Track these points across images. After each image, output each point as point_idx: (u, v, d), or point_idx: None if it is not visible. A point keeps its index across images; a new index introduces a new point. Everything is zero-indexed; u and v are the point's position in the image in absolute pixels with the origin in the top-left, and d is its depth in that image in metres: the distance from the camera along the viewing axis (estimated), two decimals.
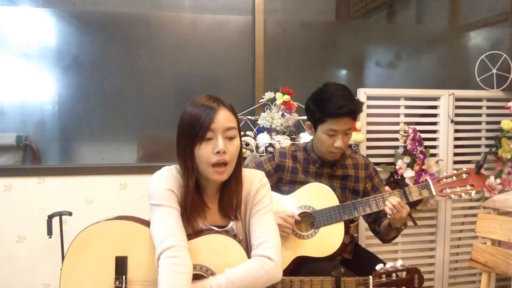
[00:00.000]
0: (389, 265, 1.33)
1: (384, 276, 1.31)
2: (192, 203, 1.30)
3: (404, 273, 1.31)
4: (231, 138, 1.28)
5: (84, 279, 1.25)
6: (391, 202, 1.69)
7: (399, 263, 1.33)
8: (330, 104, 1.73)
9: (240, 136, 1.34)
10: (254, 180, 1.38)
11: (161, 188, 1.29)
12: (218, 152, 1.24)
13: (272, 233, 1.32)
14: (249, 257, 1.31)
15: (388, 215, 1.71)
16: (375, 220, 1.91)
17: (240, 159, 1.35)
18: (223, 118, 1.26)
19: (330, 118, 1.74)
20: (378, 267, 1.32)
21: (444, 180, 1.75)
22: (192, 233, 1.33)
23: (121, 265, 1.26)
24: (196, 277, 1.26)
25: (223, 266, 1.26)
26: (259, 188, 1.37)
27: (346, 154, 1.92)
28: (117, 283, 1.26)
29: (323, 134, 1.77)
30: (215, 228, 1.36)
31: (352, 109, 1.73)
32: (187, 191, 1.29)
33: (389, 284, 1.31)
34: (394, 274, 1.31)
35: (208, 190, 1.37)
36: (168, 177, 1.31)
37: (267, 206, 1.36)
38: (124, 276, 1.26)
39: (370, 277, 1.31)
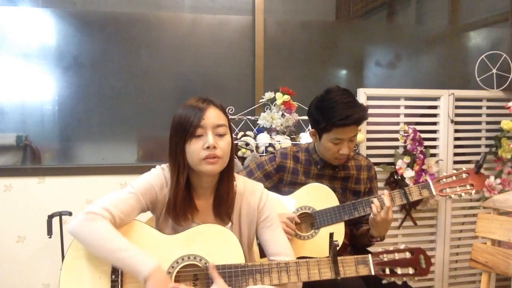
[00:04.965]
0: (392, 247, 1.29)
1: (385, 255, 1.26)
2: (182, 201, 1.33)
3: (408, 253, 1.26)
4: (221, 135, 1.31)
5: (84, 274, 1.29)
6: (380, 202, 1.68)
7: (402, 246, 1.29)
8: (335, 114, 1.69)
9: (232, 135, 1.36)
10: (256, 193, 1.42)
11: (146, 184, 1.35)
12: (208, 147, 1.27)
13: (288, 246, 1.43)
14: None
15: (372, 214, 1.68)
16: (355, 223, 1.89)
17: (232, 159, 1.37)
18: (213, 115, 1.29)
19: (336, 128, 1.71)
20: (380, 249, 1.29)
21: (444, 180, 1.75)
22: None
23: None
24: (191, 267, 1.29)
25: (216, 254, 1.29)
26: (264, 205, 1.42)
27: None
28: (113, 276, 1.29)
29: (329, 143, 1.75)
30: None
31: (358, 118, 1.70)
32: (177, 188, 1.32)
33: (393, 264, 1.25)
34: (396, 254, 1.26)
35: (200, 190, 1.38)
36: (158, 179, 1.36)
37: (276, 220, 1.43)
38: (120, 270, 1.29)
39: (369, 255, 1.27)
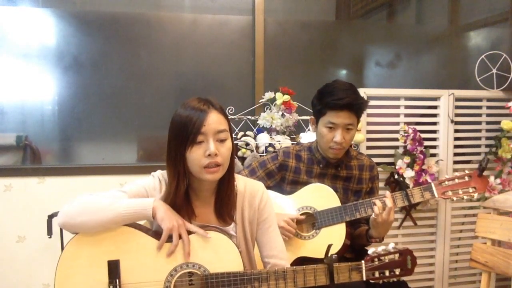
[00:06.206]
0: (381, 248, 1.32)
1: (376, 259, 1.30)
2: (180, 207, 1.31)
3: (397, 255, 1.30)
4: (222, 141, 1.28)
5: (79, 285, 1.26)
6: (382, 203, 1.68)
7: (391, 246, 1.31)
8: (330, 96, 1.73)
9: (232, 138, 1.34)
10: (257, 193, 1.41)
11: (138, 187, 1.34)
12: (209, 155, 1.25)
13: (282, 249, 1.44)
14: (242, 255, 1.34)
15: (374, 215, 1.68)
16: (352, 223, 1.88)
17: (233, 160, 1.35)
18: (214, 121, 1.26)
19: (329, 110, 1.73)
20: (370, 251, 1.31)
21: (446, 182, 1.74)
22: None
23: (113, 269, 1.26)
24: (190, 275, 1.28)
25: (215, 262, 1.28)
26: (264, 206, 1.42)
27: (352, 155, 1.90)
28: (111, 287, 1.25)
29: (323, 128, 1.76)
30: (210, 226, 1.36)
31: (351, 102, 1.71)
32: (177, 194, 1.30)
33: (382, 267, 1.30)
34: (386, 257, 1.30)
35: (201, 193, 1.37)
36: (152, 184, 1.36)
37: (274, 222, 1.44)
38: (117, 280, 1.26)
39: (363, 262, 1.30)
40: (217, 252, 1.29)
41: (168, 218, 1.25)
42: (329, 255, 1.32)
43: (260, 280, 1.28)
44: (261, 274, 1.28)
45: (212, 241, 1.29)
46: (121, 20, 2.48)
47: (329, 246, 1.35)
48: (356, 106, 1.74)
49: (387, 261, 1.30)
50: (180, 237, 1.26)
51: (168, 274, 1.27)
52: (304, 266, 1.30)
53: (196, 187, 1.36)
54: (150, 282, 1.26)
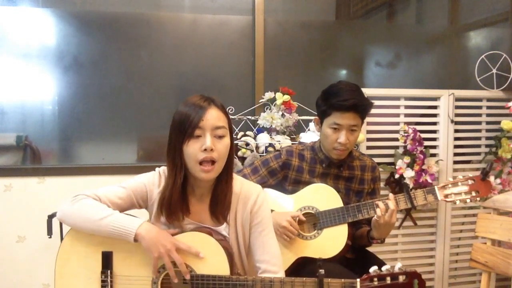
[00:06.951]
0: (385, 267, 1.19)
1: (376, 279, 1.17)
2: (176, 200, 1.32)
3: (402, 277, 1.17)
4: (220, 137, 1.28)
5: (76, 272, 1.32)
6: (385, 205, 1.67)
7: (397, 266, 1.19)
8: (336, 97, 1.72)
9: (232, 137, 1.34)
10: (251, 196, 1.39)
11: (138, 182, 1.38)
12: (205, 150, 1.25)
13: (275, 255, 1.38)
14: (230, 260, 1.32)
15: (376, 216, 1.67)
16: (354, 224, 1.86)
17: (231, 159, 1.35)
18: (213, 116, 1.27)
19: (335, 111, 1.72)
20: (372, 269, 1.18)
21: (450, 185, 1.73)
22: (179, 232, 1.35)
23: (106, 259, 1.31)
24: (177, 274, 1.29)
25: (202, 264, 1.28)
26: (258, 210, 1.38)
27: (354, 156, 1.90)
28: (103, 276, 1.31)
29: (328, 128, 1.76)
30: (203, 226, 1.36)
31: (356, 104, 1.70)
32: (173, 188, 1.31)
33: None
34: (388, 278, 1.16)
35: (198, 190, 1.37)
36: (152, 179, 1.38)
37: (269, 226, 1.40)
38: (109, 271, 1.31)
39: (358, 280, 1.19)
40: (204, 254, 1.28)
41: (153, 246, 1.24)
42: (328, 258, 1.26)
43: (245, 286, 1.26)
44: (247, 281, 1.27)
45: (199, 242, 1.29)
46: (121, 20, 2.48)
47: (319, 260, 1.29)
48: (362, 108, 1.74)
49: (389, 282, 1.18)
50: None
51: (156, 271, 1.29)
52: (293, 278, 1.26)
53: (192, 183, 1.36)
54: (139, 277, 1.30)
